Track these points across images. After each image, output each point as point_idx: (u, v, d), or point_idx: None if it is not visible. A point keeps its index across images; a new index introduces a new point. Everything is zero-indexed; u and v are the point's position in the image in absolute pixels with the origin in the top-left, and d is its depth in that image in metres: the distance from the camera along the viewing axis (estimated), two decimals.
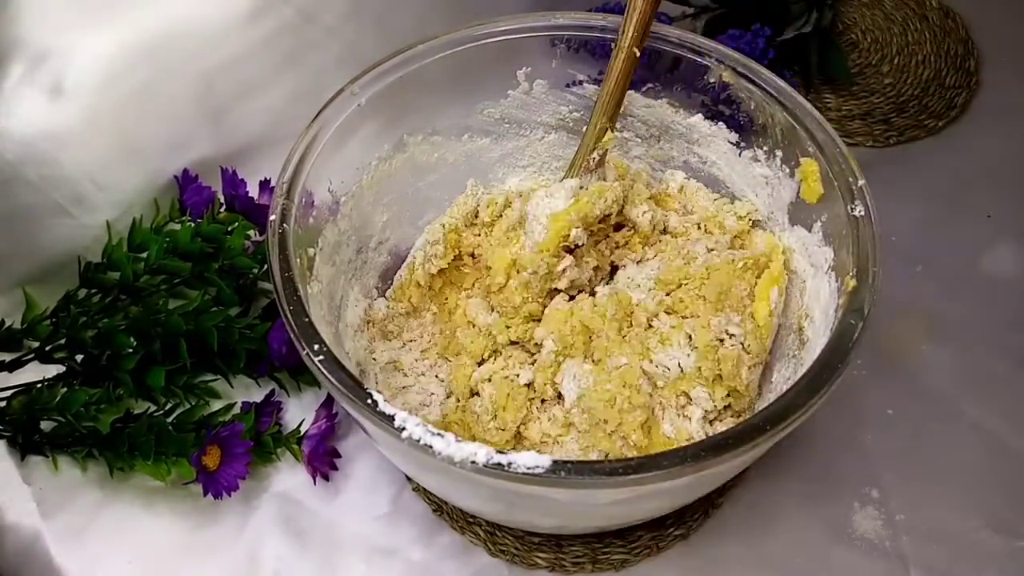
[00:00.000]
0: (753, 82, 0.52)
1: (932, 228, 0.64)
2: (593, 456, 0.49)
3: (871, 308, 0.44)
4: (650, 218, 0.55)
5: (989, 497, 0.53)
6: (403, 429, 0.39)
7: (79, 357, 0.55)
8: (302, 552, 0.52)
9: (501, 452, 0.38)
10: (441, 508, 0.54)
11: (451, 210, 0.58)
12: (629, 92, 0.55)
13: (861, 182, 0.48)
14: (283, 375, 0.58)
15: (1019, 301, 0.61)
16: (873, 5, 0.78)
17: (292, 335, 0.43)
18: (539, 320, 0.53)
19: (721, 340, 0.50)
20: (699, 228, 0.57)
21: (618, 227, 0.56)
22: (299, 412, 0.57)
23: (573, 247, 0.53)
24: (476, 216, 0.58)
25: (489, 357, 0.53)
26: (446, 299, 0.57)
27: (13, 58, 0.56)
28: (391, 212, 0.57)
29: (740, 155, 0.56)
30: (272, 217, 0.47)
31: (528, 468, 0.38)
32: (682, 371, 0.50)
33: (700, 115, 0.56)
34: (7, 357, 0.55)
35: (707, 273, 0.52)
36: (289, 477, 0.55)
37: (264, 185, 0.61)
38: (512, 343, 0.53)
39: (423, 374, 0.54)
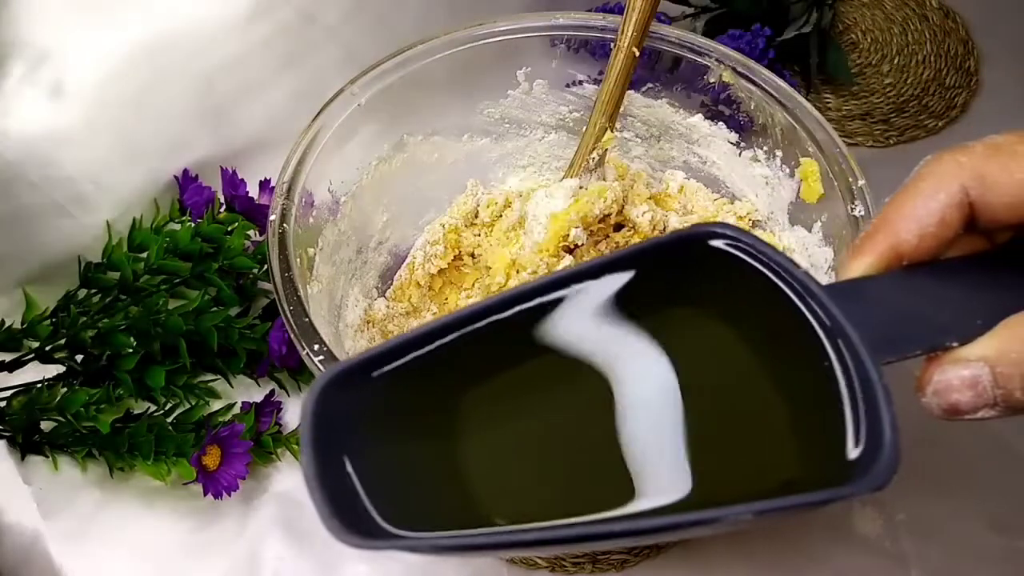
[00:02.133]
0: (753, 82, 0.52)
1: None
2: None
3: None
4: (650, 218, 0.55)
5: (989, 497, 0.53)
6: None
7: (79, 357, 0.55)
8: (302, 552, 0.52)
9: None
10: None
11: (451, 210, 0.58)
12: (629, 92, 0.55)
13: (861, 182, 0.48)
14: (283, 375, 0.58)
15: None
16: (873, 5, 0.78)
17: (292, 335, 0.43)
18: None
19: None
20: None
21: (618, 227, 0.56)
22: (299, 412, 0.57)
23: (573, 247, 0.53)
24: (476, 216, 0.58)
25: None
26: (446, 299, 0.57)
27: (13, 58, 0.56)
28: (391, 212, 0.57)
29: (740, 155, 0.56)
30: (272, 217, 0.47)
31: None
32: None
33: (700, 115, 0.56)
34: (7, 357, 0.55)
35: None
36: (289, 477, 0.55)
37: (264, 185, 0.61)
38: None
39: None
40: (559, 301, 0.29)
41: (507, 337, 0.28)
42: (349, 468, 0.26)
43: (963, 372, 0.28)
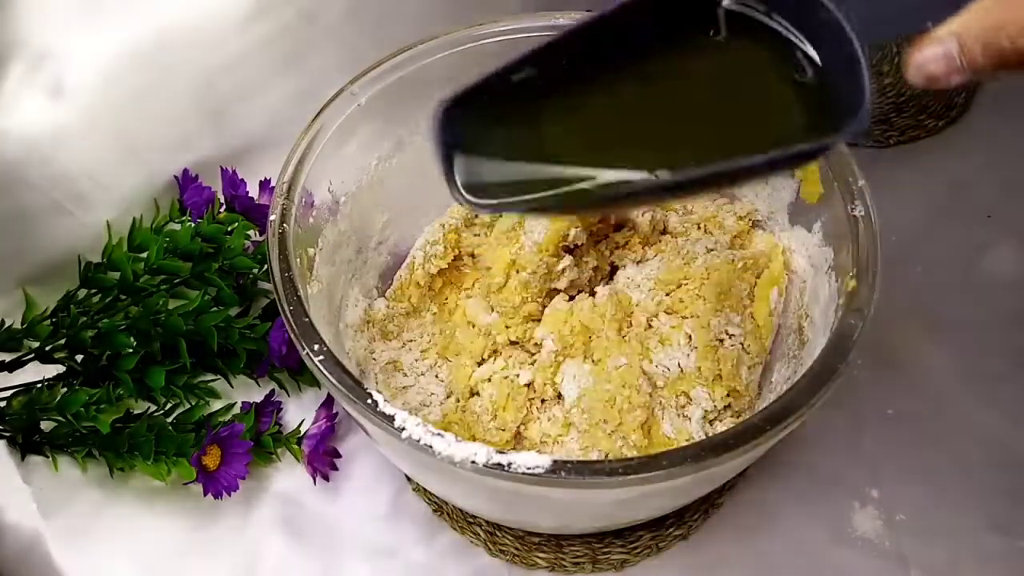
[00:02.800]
0: None
1: (932, 228, 0.64)
2: (593, 456, 0.49)
3: (871, 308, 0.44)
4: (650, 218, 0.55)
5: (989, 497, 0.53)
6: (403, 429, 0.39)
7: (79, 357, 0.55)
8: (302, 552, 0.52)
9: (501, 452, 0.38)
10: (441, 508, 0.54)
11: (451, 210, 0.58)
12: None
13: (861, 182, 0.48)
14: (283, 375, 0.58)
15: (1019, 301, 0.61)
16: None
17: (292, 335, 0.43)
18: (539, 320, 0.53)
19: (721, 340, 0.50)
20: (699, 228, 0.57)
21: (618, 227, 0.56)
22: (299, 412, 0.57)
23: (572, 247, 0.53)
24: (476, 216, 0.58)
25: (489, 357, 0.53)
26: (446, 299, 0.57)
27: (13, 58, 0.56)
28: (391, 212, 0.57)
29: None
30: (272, 217, 0.47)
31: (528, 468, 0.38)
32: (682, 371, 0.50)
33: None
34: (7, 357, 0.55)
35: (707, 273, 0.52)
36: (289, 477, 0.55)
37: (264, 185, 0.61)
38: (512, 343, 0.53)
39: (423, 374, 0.54)
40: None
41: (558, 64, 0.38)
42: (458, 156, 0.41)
43: (937, 49, 0.33)
